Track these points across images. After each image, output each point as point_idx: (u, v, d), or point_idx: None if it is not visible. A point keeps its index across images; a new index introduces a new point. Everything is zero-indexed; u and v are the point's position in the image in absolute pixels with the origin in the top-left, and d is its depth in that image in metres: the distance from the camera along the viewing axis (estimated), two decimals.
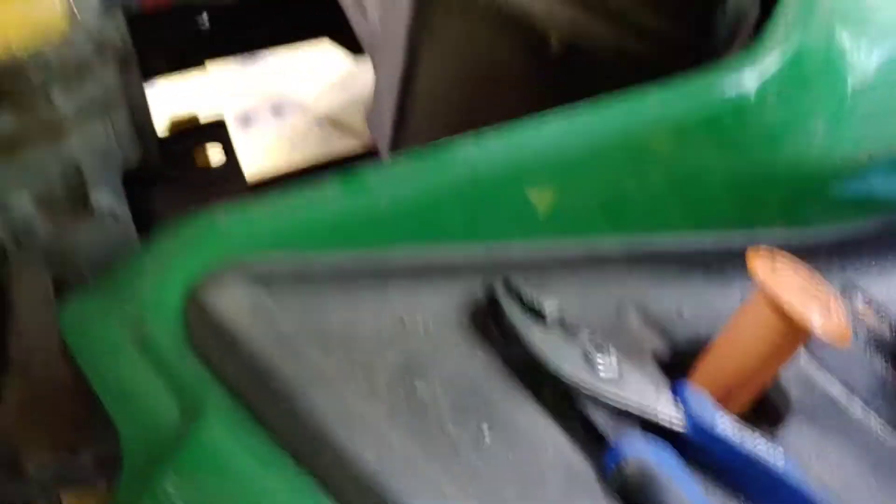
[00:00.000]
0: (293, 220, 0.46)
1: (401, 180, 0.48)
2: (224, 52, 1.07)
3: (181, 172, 0.74)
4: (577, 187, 0.51)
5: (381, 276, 0.46)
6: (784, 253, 0.49)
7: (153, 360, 0.43)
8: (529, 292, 0.47)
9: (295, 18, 1.07)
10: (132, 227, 0.67)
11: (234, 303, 0.42)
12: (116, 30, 0.60)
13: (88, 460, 0.53)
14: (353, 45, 1.12)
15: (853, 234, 0.65)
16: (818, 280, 0.48)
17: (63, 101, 0.58)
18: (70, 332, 0.45)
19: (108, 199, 0.65)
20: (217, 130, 0.79)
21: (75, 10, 0.37)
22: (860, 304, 0.61)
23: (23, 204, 0.62)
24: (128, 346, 0.43)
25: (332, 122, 1.57)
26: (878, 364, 0.58)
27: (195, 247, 0.45)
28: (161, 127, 0.85)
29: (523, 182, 0.50)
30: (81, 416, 0.54)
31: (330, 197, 0.47)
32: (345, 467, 0.37)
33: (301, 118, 1.59)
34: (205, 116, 0.86)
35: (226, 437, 0.40)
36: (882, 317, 0.59)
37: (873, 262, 0.63)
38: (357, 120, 1.48)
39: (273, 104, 1.61)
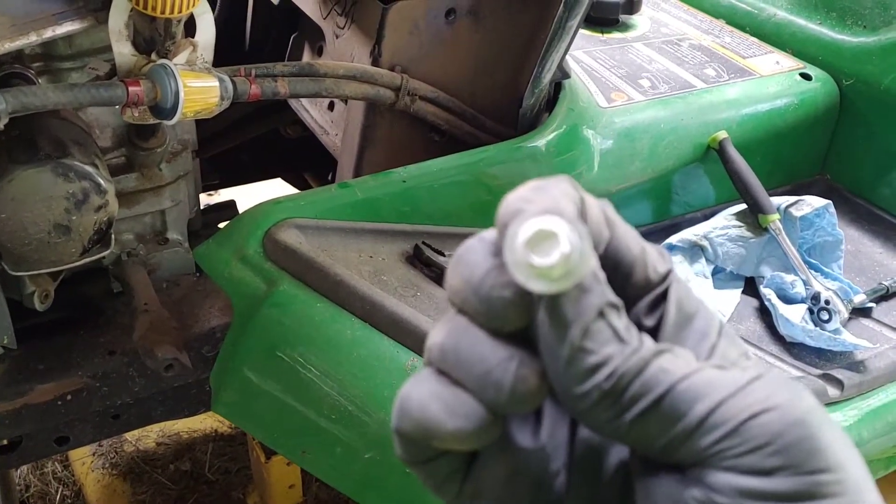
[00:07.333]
0: (314, 203, 0.90)
1: (368, 185, 0.93)
2: None
3: None
4: (451, 199, 0.98)
5: (360, 232, 0.91)
6: None
7: (248, 265, 0.84)
8: (433, 246, 0.92)
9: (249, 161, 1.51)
10: (190, 252, 1.08)
11: (289, 236, 0.85)
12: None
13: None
14: (302, 185, 1.59)
15: None
16: None
17: (166, 170, 1.01)
18: (200, 258, 0.86)
19: (176, 236, 1.07)
20: None
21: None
22: None
23: (131, 238, 1.03)
24: (233, 261, 0.85)
25: None
26: None
27: (265, 214, 0.88)
28: None
29: (424, 193, 0.97)
30: (175, 334, 0.93)
31: (333, 192, 0.92)
32: (363, 302, 0.79)
33: None
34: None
35: (294, 289, 0.81)
36: None
37: None
38: None
39: None
